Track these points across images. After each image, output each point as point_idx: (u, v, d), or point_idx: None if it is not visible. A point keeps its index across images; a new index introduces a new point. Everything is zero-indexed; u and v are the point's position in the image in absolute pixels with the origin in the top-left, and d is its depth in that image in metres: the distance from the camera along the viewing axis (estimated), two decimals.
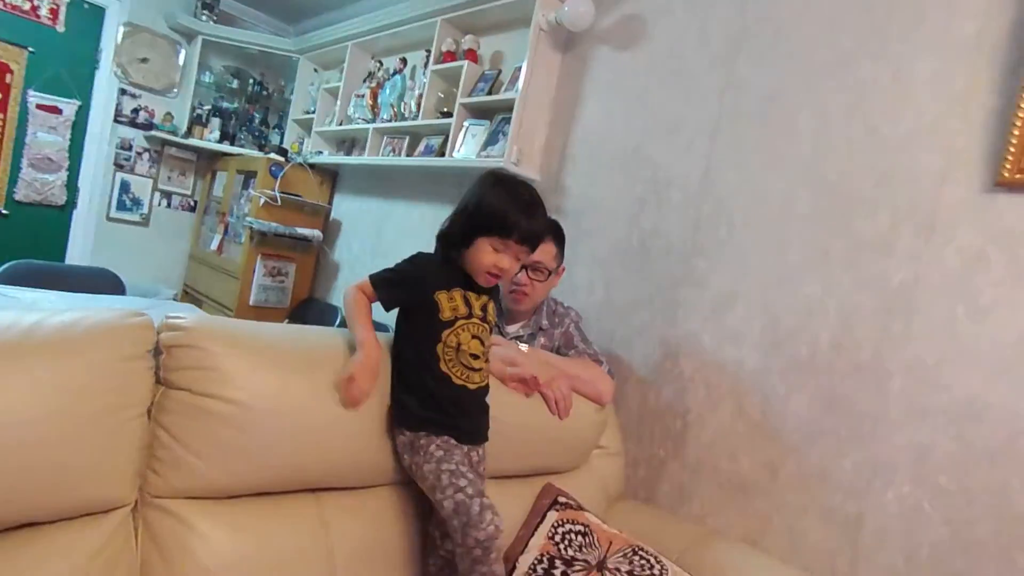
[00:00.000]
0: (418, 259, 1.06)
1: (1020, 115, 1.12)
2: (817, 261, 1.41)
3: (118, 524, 0.82)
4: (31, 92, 3.10)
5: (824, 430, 1.34)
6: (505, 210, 0.99)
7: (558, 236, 1.55)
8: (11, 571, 0.72)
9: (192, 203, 3.70)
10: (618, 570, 1.16)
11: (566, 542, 1.21)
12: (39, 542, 0.76)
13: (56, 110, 3.20)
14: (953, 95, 1.25)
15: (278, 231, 2.94)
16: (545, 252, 1.48)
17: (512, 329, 1.54)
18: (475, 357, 1.04)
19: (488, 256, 1.00)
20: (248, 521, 0.91)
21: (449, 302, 1.02)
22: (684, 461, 1.57)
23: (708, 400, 1.55)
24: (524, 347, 1.43)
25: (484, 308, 1.07)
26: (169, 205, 3.63)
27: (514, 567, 1.19)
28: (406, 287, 1.03)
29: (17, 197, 3.15)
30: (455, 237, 1.03)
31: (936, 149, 1.26)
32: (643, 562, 1.19)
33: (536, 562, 1.19)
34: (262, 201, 2.92)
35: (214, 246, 3.34)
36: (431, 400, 1.02)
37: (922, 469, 1.20)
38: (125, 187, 3.46)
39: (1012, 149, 1.13)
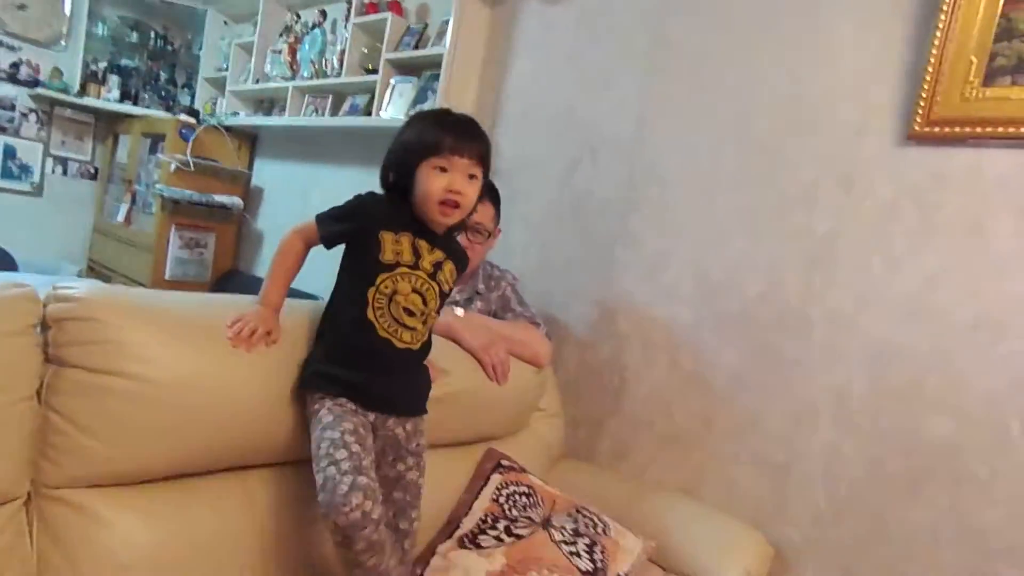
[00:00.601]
0: (370, 196, 0.98)
1: (930, 70, 1.18)
2: (745, 216, 1.44)
3: (7, 520, 0.74)
4: None
5: (754, 380, 1.40)
6: (428, 127, 0.95)
7: (494, 197, 1.51)
8: None
9: (93, 170, 3.34)
10: (564, 528, 1.18)
11: (511, 503, 1.22)
12: None
13: None
14: (871, 50, 1.29)
15: (193, 199, 2.71)
16: (483, 213, 1.43)
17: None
18: (410, 313, 0.94)
19: (436, 180, 0.92)
20: (164, 506, 0.84)
21: (394, 244, 0.93)
22: (622, 418, 1.61)
23: (644, 357, 1.58)
24: (460, 312, 1.39)
25: (437, 265, 0.97)
26: (65, 172, 3.27)
27: (457, 527, 1.18)
28: (352, 220, 0.95)
29: None
30: (399, 181, 0.96)
31: (855, 103, 1.30)
32: (587, 520, 1.21)
33: (480, 521, 1.19)
34: (173, 167, 2.68)
35: (121, 217, 3.06)
36: (341, 350, 0.93)
37: (840, 411, 1.27)
38: (10, 152, 3.06)
39: (922, 103, 1.18)
